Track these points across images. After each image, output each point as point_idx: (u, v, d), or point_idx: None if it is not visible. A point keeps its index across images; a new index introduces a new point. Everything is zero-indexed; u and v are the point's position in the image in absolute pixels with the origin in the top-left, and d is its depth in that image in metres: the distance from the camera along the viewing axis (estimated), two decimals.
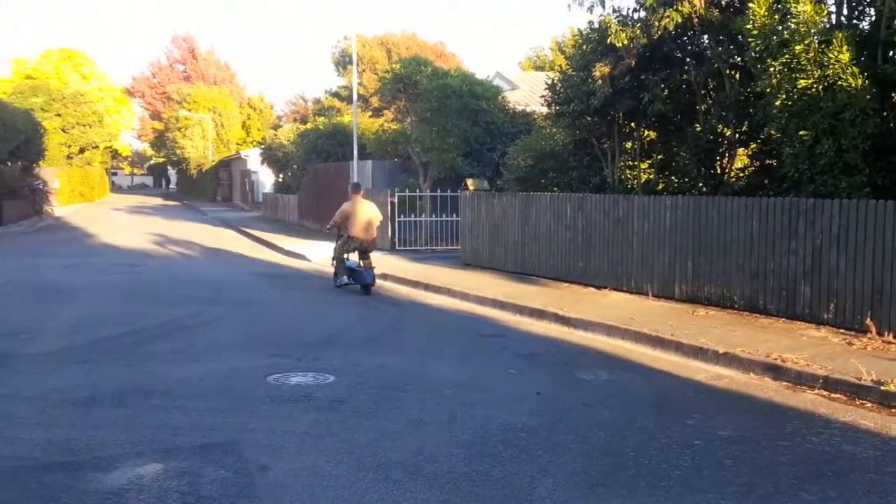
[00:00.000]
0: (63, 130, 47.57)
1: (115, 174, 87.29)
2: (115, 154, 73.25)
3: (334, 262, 14.11)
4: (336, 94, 47.73)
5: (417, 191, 19.81)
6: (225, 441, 5.60)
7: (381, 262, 16.94)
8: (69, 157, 49.34)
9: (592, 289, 12.42)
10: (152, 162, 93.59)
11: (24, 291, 13.20)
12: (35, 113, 37.54)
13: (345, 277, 13.81)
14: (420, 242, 19.34)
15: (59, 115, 47.19)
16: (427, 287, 13.68)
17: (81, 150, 50.98)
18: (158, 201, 56.73)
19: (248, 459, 5.21)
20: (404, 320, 11.17)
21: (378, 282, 14.05)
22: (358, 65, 23.70)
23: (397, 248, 19.17)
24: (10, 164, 30.34)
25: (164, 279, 15.17)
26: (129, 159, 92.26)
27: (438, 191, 19.13)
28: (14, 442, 5.51)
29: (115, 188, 78.32)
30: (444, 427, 5.96)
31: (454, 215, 18.49)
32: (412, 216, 19.30)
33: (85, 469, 5.03)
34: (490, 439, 5.65)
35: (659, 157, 13.70)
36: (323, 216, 25.81)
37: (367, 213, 13.73)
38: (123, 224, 31.60)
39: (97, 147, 53.88)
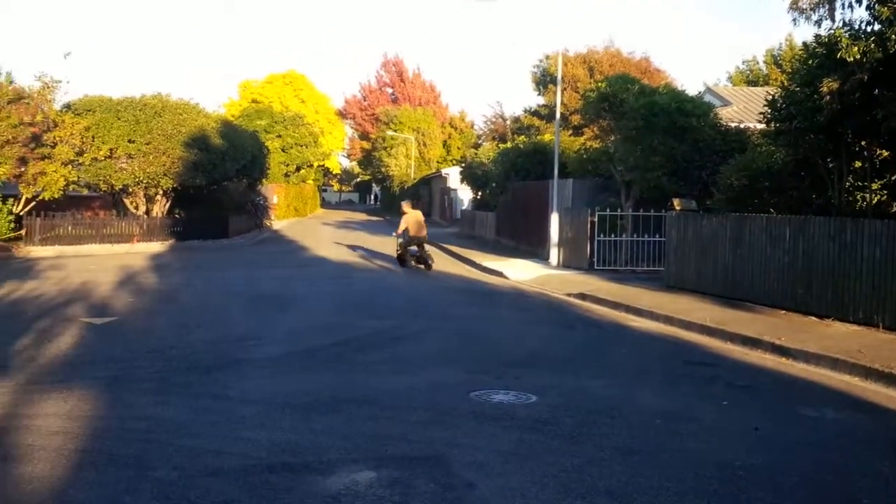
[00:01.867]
0: (283, 150, 51.02)
1: (325, 190, 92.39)
2: (327, 172, 77.80)
3: (400, 252, 20.52)
4: (535, 113, 47.95)
5: (619, 210, 19.41)
6: (432, 454, 5.67)
7: (580, 281, 16.74)
8: (287, 174, 52.81)
9: (813, 318, 11.55)
10: (358, 179, 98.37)
11: (247, 300, 14.15)
12: (260, 134, 40.44)
13: (412, 262, 20.15)
14: (620, 262, 18.91)
15: (279, 136, 50.68)
16: (628, 309, 13.31)
17: (298, 169, 54.43)
18: (363, 217, 59.39)
19: (455, 475, 5.24)
20: (605, 342, 10.93)
21: (577, 301, 14.67)
22: (559, 83, 23.56)
23: (595, 267, 18.84)
24: (235, 181, 32.84)
25: (370, 291, 15.78)
26: (338, 176, 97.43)
27: (641, 210, 18.65)
28: (243, 441, 5.85)
29: (325, 204, 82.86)
30: (653, 458, 5.71)
31: (657, 235, 17.93)
32: (612, 236, 18.93)
33: (306, 472, 5.26)
34: (704, 475, 5.34)
35: (893, 177, 12.55)
36: (521, 234, 25.99)
37: (417, 218, 20.20)
38: (332, 238, 33.28)
39: (311, 165, 57.37)
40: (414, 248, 20.09)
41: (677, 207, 15.56)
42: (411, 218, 20.09)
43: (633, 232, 18.91)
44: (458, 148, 59.49)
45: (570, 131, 34.15)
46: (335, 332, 10.70)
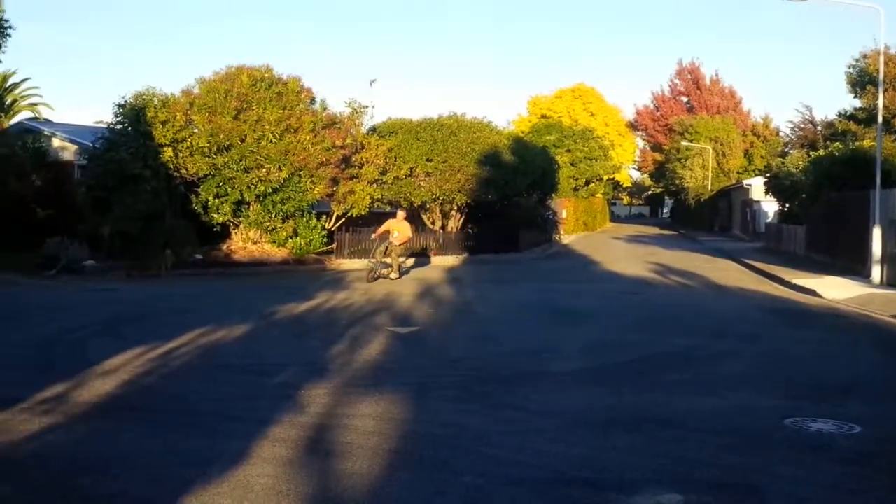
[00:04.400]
0: (572, 164, 51.29)
1: (614, 204, 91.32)
2: (617, 185, 77.02)
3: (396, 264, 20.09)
4: (851, 117, 43.76)
5: None
6: (743, 483, 5.29)
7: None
8: (575, 188, 53.00)
9: None
10: (650, 192, 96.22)
11: (540, 314, 14.26)
12: (549, 149, 40.96)
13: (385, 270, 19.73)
14: None
15: (569, 150, 51.04)
16: None
17: (587, 183, 54.42)
18: (655, 231, 57.95)
19: None
20: None
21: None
22: (881, 84, 21.29)
23: None
24: (525, 196, 33.50)
25: (665, 308, 15.23)
26: (628, 190, 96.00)
27: None
28: (543, 454, 5.85)
29: (614, 218, 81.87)
30: None
31: None
32: None
33: (607, 489, 5.13)
34: None
35: None
36: (836, 249, 23.77)
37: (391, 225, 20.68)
38: (623, 253, 32.78)
39: (601, 179, 57.07)
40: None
41: None
42: (391, 227, 20.68)
43: None
44: (762, 157, 55.95)
45: (894, 136, 30.76)
46: (632, 349, 10.43)
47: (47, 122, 37.23)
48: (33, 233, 23.11)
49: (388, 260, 20.01)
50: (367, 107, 27.18)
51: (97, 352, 9.70)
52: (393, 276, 19.72)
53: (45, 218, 24.52)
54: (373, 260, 19.86)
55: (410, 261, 25.06)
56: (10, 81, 44.97)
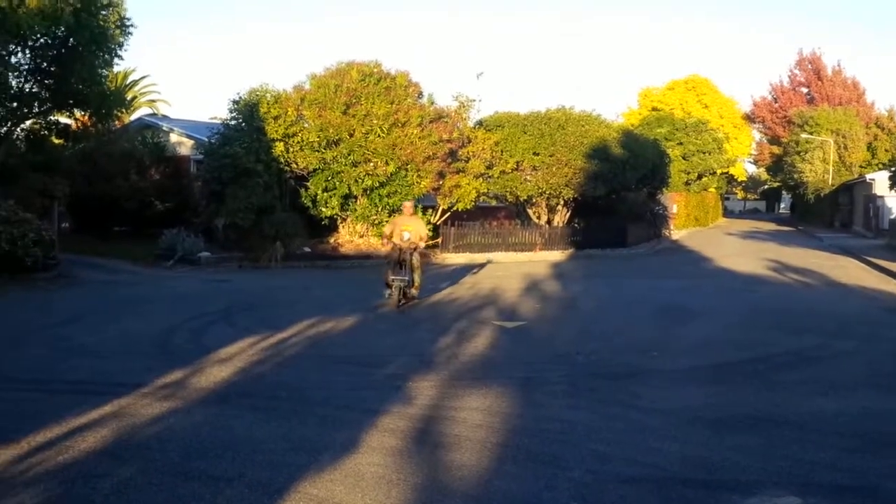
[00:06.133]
0: (683, 158, 49.92)
1: (728, 199, 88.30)
2: (731, 179, 74.50)
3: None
4: None
5: None
6: (867, 485, 5.09)
7: None
8: (687, 182, 51.58)
9: None
10: (766, 186, 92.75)
11: (648, 310, 13.95)
12: (660, 143, 39.95)
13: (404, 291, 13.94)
14: None
15: (680, 143, 49.69)
16: None
17: (699, 177, 52.89)
18: (771, 226, 55.83)
19: None
20: None
21: None
22: None
23: None
24: (634, 190, 32.82)
25: (781, 306, 14.62)
26: (743, 184, 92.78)
27: None
28: (653, 452, 5.72)
29: (727, 213, 79.25)
30: None
31: None
32: None
33: (722, 489, 4.99)
34: None
35: None
36: None
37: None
38: (736, 248, 31.70)
39: (714, 173, 55.36)
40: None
41: None
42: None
43: None
44: (886, 150, 53.01)
45: None
46: (745, 348, 10.05)
47: (165, 117, 38.97)
48: (152, 225, 24.33)
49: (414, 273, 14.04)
50: (473, 100, 27.21)
51: (213, 340, 10.11)
52: (413, 291, 14.12)
53: (163, 211, 25.71)
54: (395, 278, 13.70)
55: (523, 255, 24.74)
56: (130, 79, 47.25)
